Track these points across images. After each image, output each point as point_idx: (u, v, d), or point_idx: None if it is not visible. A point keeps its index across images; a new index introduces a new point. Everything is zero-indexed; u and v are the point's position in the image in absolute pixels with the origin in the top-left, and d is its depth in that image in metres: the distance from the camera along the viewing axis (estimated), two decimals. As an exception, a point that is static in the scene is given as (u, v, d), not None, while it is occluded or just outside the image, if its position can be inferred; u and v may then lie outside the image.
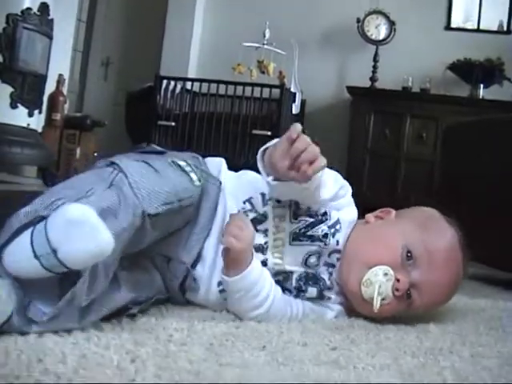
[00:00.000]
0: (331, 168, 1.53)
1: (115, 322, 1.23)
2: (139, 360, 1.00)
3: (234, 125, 6.10)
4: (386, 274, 1.43)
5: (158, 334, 1.17)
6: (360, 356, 1.18)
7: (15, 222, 1.10)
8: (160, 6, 7.33)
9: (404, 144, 6.23)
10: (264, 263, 1.45)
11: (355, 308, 1.52)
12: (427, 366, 1.17)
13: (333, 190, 1.53)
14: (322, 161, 1.30)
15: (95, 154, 6.04)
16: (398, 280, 1.43)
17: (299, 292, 1.49)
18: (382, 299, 1.42)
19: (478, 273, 2.69)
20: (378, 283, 1.42)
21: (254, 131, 6.06)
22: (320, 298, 1.51)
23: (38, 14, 4.70)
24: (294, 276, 1.49)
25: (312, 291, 1.50)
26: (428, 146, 6.12)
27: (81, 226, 1.05)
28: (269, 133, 6.02)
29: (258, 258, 1.44)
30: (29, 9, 4.62)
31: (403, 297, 1.45)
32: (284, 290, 1.48)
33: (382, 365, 1.13)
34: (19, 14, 4.57)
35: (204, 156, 1.70)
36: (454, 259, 1.51)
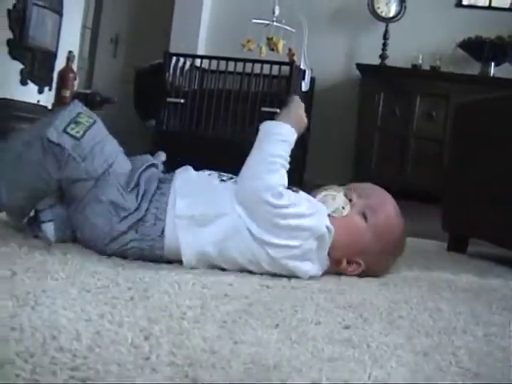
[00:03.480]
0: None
1: (128, 298, 1.23)
2: (153, 337, 1.00)
3: (243, 102, 6.08)
4: (334, 190, 1.73)
5: (172, 312, 1.17)
6: (373, 335, 1.18)
7: None
8: (169, -17, 7.30)
9: (413, 122, 6.20)
10: None
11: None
12: (441, 345, 1.17)
13: None
14: None
15: (104, 131, 6.03)
16: (346, 194, 1.72)
17: None
18: (342, 208, 1.68)
19: (488, 252, 2.69)
20: (331, 192, 1.72)
21: (263, 108, 6.04)
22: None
23: (49, -10, 4.70)
24: None
25: None
26: (438, 124, 6.09)
27: None
28: (278, 110, 5.98)
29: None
30: (39, -15, 4.62)
31: (356, 206, 1.70)
32: None
33: (395, 344, 1.13)
34: (29, -10, 4.56)
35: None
36: (392, 198, 1.81)
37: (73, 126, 1.58)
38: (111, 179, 1.58)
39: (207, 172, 1.74)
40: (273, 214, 1.55)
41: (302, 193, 1.69)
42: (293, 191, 1.64)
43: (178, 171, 1.72)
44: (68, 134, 1.57)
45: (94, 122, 1.62)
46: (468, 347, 1.18)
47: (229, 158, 5.75)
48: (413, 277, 1.87)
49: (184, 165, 1.78)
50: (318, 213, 1.64)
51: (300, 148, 6.54)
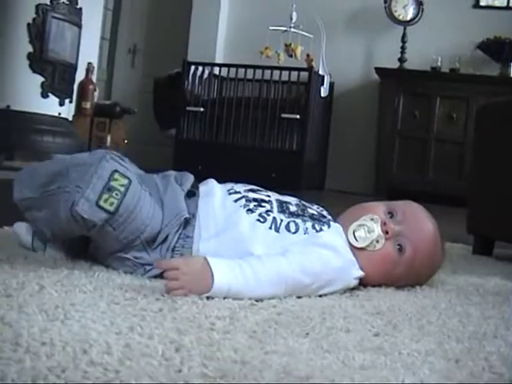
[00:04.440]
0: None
1: (156, 310, 1.22)
2: (184, 349, 1.00)
3: (263, 109, 6.10)
4: (372, 219, 1.60)
5: (201, 323, 1.16)
6: (404, 341, 1.17)
7: None
8: (186, -8, 7.34)
9: (434, 125, 6.19)
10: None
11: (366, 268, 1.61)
12: (473, 351, 1.16)
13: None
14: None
15: (125, 141, 6.06)
16: (384, 223, 1.60)
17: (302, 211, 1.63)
18: (376, 241, 1.58)
19: (514, 254, 2.67)
20: (367, 223, 1.60)
21: (283, 115, 6.06)
22: (322, 215, 1.65)
23: (67, 3, 4.73)
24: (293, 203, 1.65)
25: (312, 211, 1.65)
26: (458, 126, 6.07)
27: None
28: (297, 116, 6.01)
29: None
30: (58, -2, 4.66)
31: (392, 239, 1.60)
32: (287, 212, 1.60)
33: (427, 350, 1.12)
34: (48, 3, 4.60)
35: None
36: (431, 219, 1.71)
37: (106, 196, 1.44)
38: (141, 243, 1.52)
39: (233, 197, 1.62)
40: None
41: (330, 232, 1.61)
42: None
43: (201, 194, 1.62)
44: (101, 207, 1.44)
45: (130, 183, 1.48)
46: (500, 352, 1.16)
47: (250, 164, 5.78)
48: (439, 281, 1.86)
49: (205, 173, 1.73)
50: (347, 270, 1.57)
51: (320, 154, 6.53)
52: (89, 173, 1.46)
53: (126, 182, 1.47)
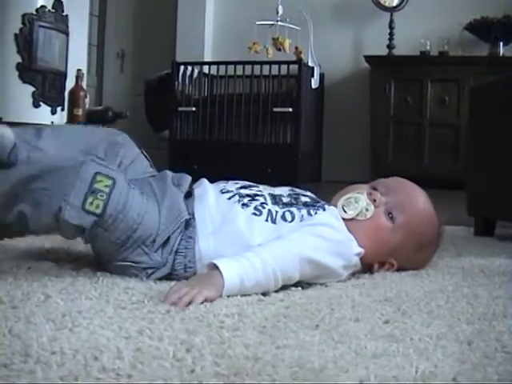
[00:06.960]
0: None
1: (164, 312, 1.22)
2: (195, 349, 0.99)
3: (255, 104, 6.08)
4: (358, 193, 1.68)
5: (210, 321, 1.16)
6: (414, 327, 1.17)
7: None
8: (170, -7, 7.33)
9: (427, 109, 6.17)
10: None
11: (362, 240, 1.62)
12: (483, 332, 1.16)
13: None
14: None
15: (119, 146, 6.03)
16: (370, 194, 1.67)
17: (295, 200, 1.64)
18: (366, 210, 1.64)
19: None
20: (354, 195, 1.67)
21: (275, 109, 6.04)
22: (316, 201, 1.67)
23: (53, 11, 4.71)
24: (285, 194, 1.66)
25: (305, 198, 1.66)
26: (451, 109, 6.06)
27: None
28: (290, 109, 5.99)
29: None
30: (43, 6, 4.64)
31: (382, 207, 1.65)
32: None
33: (438, 334, 1.12)
34: (34, 12, 4.58)
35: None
36: (416, 186, 1.78)
37: (91, 199, 1.42)
38: (136, 243, 1.49)
39: (226, 195, 1.61)
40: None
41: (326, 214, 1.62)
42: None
43: (196, 196, 1.61)
44: (87, 211, 1.43)
45: (114, 184, 1.46)
46: (510, 331, 1.16)
47: (245, 161, 5.78)
48: (444, 264, 1.86)
49: (201, 172, 1.73)
50: (346, 244, 1.59)
51: (315, 146, 6.52)
52: (70, 177, 1.44)
53: (110, 182, 1.46)
